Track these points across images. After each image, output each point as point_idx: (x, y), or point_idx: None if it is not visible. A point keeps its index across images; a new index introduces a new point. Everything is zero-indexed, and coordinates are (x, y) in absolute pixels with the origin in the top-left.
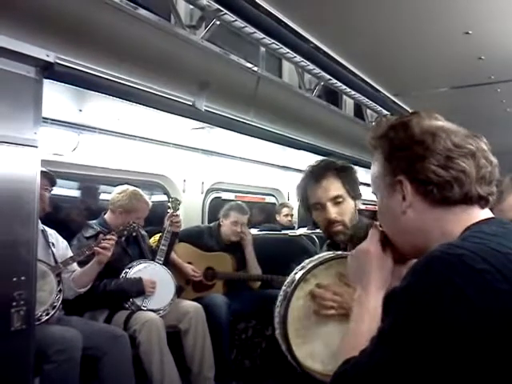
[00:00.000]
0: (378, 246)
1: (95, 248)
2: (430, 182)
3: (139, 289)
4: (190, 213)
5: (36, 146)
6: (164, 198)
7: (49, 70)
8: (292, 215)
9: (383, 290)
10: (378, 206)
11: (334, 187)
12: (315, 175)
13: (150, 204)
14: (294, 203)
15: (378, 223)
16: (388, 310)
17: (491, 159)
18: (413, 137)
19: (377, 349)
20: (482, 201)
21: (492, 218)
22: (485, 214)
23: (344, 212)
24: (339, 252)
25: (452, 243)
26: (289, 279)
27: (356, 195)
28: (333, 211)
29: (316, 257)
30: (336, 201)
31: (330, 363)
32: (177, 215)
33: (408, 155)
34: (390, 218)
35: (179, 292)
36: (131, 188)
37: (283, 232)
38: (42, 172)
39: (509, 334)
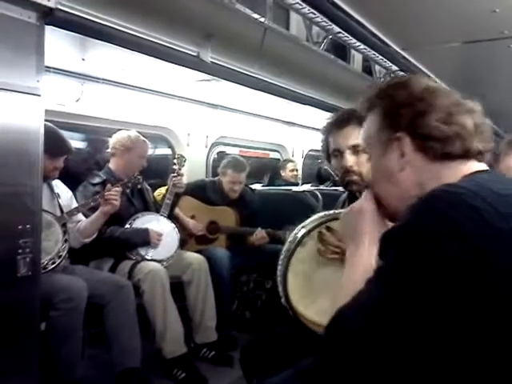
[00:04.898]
0: (372, 204)
1: (104, 197)
2: (431, 138)
3: (145, 239)
4: (194, 167)
5: (39, 95)
6: (168, 151)
7: (50, 16)
8: (297, 170)
9: (377, 245)
10: (371, 165)
11: (355, 135)
12: (338, 121)
13: (149, 144)
14: (299, 159)
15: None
16: (385, 251)
17: (485, 120)
18: (414, 94)
19: (375, 287)
20: (480, 155)
21: (487, 170)
22: (481, 166)
23: (362, 163)
24: (339, 210)
25: (452, 183)
26: (290, 238)
27: None
28: (350, 159)
29: (317, 216)
30: (355, 149)
31: None
32: (179, 176)
33: (410, 111)
34: (384, 176)
35: (182, 244)
36: (127, 131)
37: (287, 188)
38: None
39: (504, 270)
